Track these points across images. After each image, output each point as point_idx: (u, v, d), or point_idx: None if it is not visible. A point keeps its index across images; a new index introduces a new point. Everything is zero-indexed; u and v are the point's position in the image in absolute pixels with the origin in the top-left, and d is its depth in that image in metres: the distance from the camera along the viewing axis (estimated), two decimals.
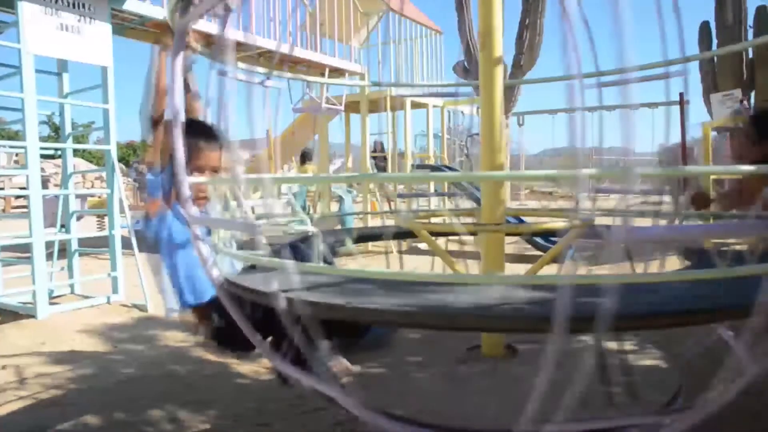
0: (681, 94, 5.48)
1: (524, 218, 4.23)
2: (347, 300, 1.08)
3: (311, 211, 7.25)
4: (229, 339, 1.64)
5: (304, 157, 8.46)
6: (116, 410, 2.09)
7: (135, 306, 3.78)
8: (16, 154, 9.55)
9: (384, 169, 9.83)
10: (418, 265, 3.68)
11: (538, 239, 5.24)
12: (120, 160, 15.68)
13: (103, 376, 2.51)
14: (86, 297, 3.98)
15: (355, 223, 6.89)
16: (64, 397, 2.26)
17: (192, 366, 2.60)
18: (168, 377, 2.47)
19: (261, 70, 1.97)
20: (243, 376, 2.44)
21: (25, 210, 3.71)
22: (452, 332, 1.87)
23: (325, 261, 1.62)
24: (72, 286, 4.17)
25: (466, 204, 4.55)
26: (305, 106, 7.23)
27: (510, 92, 9.57)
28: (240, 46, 5.23)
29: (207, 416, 2.04)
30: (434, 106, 9.60)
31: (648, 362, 1.66)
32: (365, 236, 2.60)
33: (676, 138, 5.49)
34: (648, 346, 1.81)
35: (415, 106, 9.25)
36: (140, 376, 2.48)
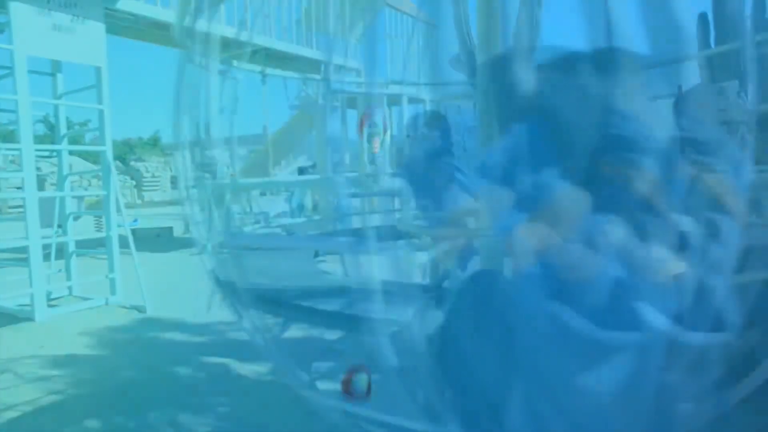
0: (680, 87, 5.45)
1: None
2: None
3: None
4: None
5: None
6: (116, 414, 2.08)
7: (134, 307, 3.76)
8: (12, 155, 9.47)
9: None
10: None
11: None
12: (117, 158, 15.60)
13: (103, 379, 2.50)
14: (85, 299, 3.96)
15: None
16: (63, 402, 2.25)
17: (192, 368, 2.59)
18: (168, 380, 2.45)
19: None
20: (244, 378, 2.43)
21: (21, 210, 3.68)
22: None
23: None
24: (70, 288, 4.15)
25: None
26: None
27: None
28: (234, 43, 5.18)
29: (208, 419, 2.03)
30: (431, 101, 9.58)
31: None
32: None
33: None
34: None
35: (412, 101, 9.21)
36: (140, 380, 2.47)
